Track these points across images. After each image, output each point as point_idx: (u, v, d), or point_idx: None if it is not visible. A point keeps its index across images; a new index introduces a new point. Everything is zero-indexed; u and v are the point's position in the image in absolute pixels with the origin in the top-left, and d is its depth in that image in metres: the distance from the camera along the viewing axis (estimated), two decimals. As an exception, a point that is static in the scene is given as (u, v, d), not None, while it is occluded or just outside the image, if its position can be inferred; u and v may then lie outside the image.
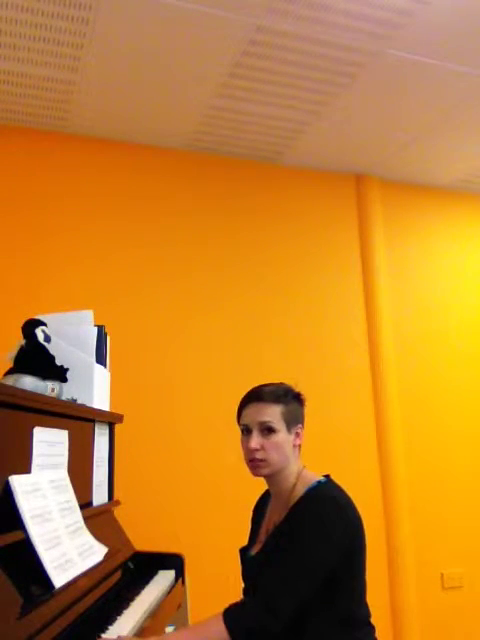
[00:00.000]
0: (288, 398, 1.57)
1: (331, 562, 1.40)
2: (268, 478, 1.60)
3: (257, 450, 1.52)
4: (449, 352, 3.60)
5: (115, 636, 1.35)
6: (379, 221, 3.57)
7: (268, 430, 1.52)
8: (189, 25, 2.30)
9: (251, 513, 1.75)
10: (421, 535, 3.27)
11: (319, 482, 1.51)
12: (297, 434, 1.57)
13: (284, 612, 1.34)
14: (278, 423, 1.53)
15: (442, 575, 3.29)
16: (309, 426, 1.65)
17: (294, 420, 1.56)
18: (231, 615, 1.34)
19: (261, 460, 1.52)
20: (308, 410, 1.64)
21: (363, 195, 3.58)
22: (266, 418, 1.53)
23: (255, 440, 1.52)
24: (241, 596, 1.64)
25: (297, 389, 1.63)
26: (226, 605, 1.40)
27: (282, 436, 1.53)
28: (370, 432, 3.30)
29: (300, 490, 1.50)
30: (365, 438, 3.28)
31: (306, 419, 1.63)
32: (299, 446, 1.59)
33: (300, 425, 1.58)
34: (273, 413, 1.53)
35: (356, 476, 3.14)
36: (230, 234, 3.26)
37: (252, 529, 1.70)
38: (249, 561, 1.59)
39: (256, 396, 1.57)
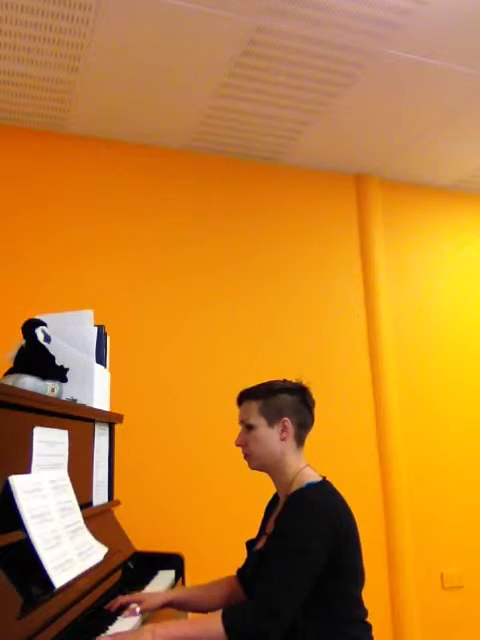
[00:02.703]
0: (268, 393, 1.61)
1: (319, 564, 1.40)
2: (267, 473, 1.63)
3: (242, 446, 1.62)
4: (449, 352, 3.60)
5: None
6: (379, 221, 3.57)
7: (248, 427, 1.61)
8: (189, 25, 2.30)
9: (253, 510, 1.76)
10: (421, 535, 3.27)
11: (309, 484, 1.51)
12: (284, 427, 1.58)
13: (285, 618, 1.35)
14: (256, 419, 1.60)
15: (442, 575, 3.29)
16: (310, 426, 1.65)
17: (276, 413, 1.59)
18: (231, 617, 1.35)
19: (247, 454, 1.62)
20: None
21: (363, 195, 3.58)
22: (244, 416, 1.64)
23: (238, 437, 1.63)
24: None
25: (298, 382, 1.65)
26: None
27: (262, 431, 1.59)
28: (370, 432, 3.30)
29: (295, 488, 1.52)
30: (365, 438, 3.28)
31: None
32: (292, 438, 1.59)
33: (286, 418, 1.59)
34: (250, 410, 1.62)
35: (356, 476, 3.15)
36: (230, 234, 3.26)
37: (262, 523, 1.72)
38: (253, 555, 1.60)
39: (238, 396, 1.67)
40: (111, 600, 1.57)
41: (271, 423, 1.59)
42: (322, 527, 1.41)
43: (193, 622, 1.48)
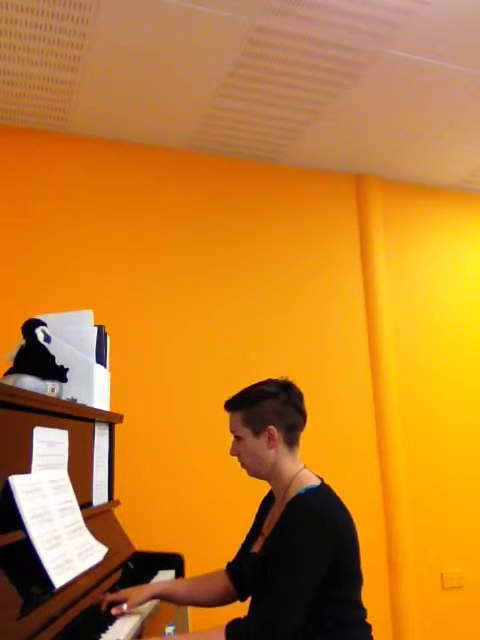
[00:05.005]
0: (249, 402, 1.57)
1: (321, 572, 1.40)
2: (265, 480, 1.62)
3: (235, 456, 1.60)
4: (449, 352, 3.60)
5: (115, 637, 1.35)
6: (379, 221, 3.57)
7: (237, 438, 1.59)
8: (189, 25, 2.30)
9: (253, 511, 1.75)
10: (421, 535, 3.27)
11: (307, 489, 1.49)
12: (270, 435, 1.54)
13: (288, 633, 1.34)
14: (241, 431, 1.57)
15: (442, 575, 3.29)
16: (309, 426, 1.64)
17: (260, 422, 1.55)
18: (235, 634, 1.34)
19: (242, 464, 1.60)
20: (308, 410, 1.63)
21: (363, 195, 3.58)
22: (231, 428, 1.60)
23: (231, 448, 1.61)
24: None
25: (282, 379, 1.61)
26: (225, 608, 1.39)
27: (249, 442, 1.56)
28: (370, 432, 3.30)
29: (292, 493, 1.50)
30: (365, 438, 3.28)
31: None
32: (282, 443, 1.55)
33: (271, 426, 1.54)
34: (235, 422, 1.59)
35: (356, 476, 3.15)
36: (230, 234, 3.26)
37: (255, 523, 1.70)
38: (250, 557, 1.60)
39: (225, 406, 1.63)
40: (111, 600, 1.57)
41: (256, 433, 1.55)
42: (322, 536, 1.40)
43: (194, 638, 1.47)
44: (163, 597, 1.64)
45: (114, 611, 1.49)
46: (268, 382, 1.62)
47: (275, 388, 1.59)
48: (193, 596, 1.67)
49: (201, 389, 2.99)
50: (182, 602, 1.72)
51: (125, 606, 1.51)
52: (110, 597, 1.54)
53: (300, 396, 1.61)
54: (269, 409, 1.56)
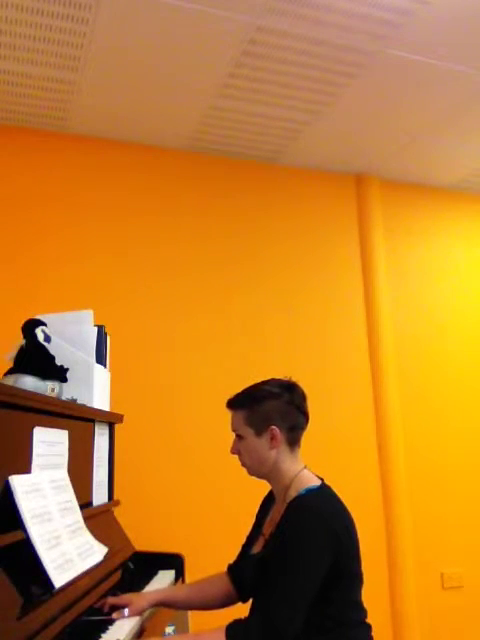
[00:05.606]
0: (252, 401, 1.57)
1: (322, 573, 1.40)
2: (265, 480, 1.62)
3: (236, 454, 1.60)
4: (449, 351, 3.60)
5: (115, 637, 1.35)
6: (379, 221, 3.57)
7: (239, 437, 1.59)
8: (189, 25, 2.30)
9: (253, 511, 1.75)
10: (421, 535, 3.27)
11: (308, 490, 1.49)
12: (272, 435, 1.54)
13: (289, 633, 1.34)
14: (243, 429, 1.57)
15: (442, 575, 3.29)
16: (309, 426, 1.64)
17: (263, 422, 1.54)
18: (235, 635, 1.34)
19: (242, 463, 1.60)
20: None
21: (363, 195, 3.58)
22: (233, 426, 1.60)
23: (232, 446, 1.60)
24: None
25: (285, 380, 1.61)
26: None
27: (250, 441, 1.56)
28: (370, 432, 3.30)
29: (293, 493, 1.50)
30: (365, 438, 3.28)
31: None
32: (284, 443, 1.55)
33: (274, 426, 1.54)
34: (237, 420, 1.59)
35: (356, 476, 3.15)
36: (230, 234, 3.26)
37: (255, 524, 1.70)
38: (250, 559, 1.60)
39: (227, 404, 1.63)
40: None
41: (259, 433, 1.55)
42: (323, 537, 1.40)
43: (194, 638, 1.47)
44: (165, 604, 1.63)
45: (115, 615, 1.48)
46: (271, 382, 1.61)
47: (278, 388, 1.58)
48: (194, 601, 1.66)
49: (201, 389, 2.99)
50: (184, 608, 1.72)
51: (126, 611, 1.50)
52: (112, 600, 1.55)
53: (303, 397, 1.61)
54: (272, 409, 1.55)
